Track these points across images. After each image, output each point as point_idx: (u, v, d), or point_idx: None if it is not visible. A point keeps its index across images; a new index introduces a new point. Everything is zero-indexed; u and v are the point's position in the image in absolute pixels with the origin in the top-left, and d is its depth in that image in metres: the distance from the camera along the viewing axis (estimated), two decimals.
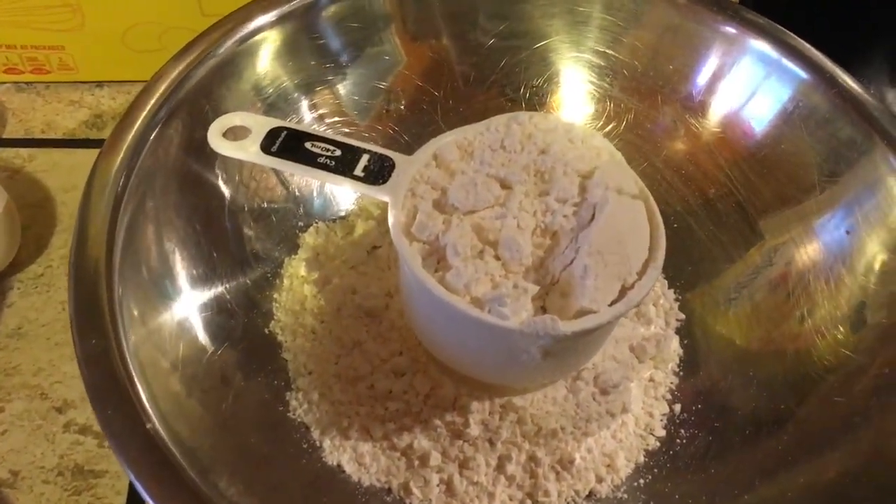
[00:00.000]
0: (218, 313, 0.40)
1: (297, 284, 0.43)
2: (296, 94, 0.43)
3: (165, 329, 0.37)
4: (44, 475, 0.39)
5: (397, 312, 0.41)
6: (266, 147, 0.38)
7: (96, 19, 0.49)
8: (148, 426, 0.32)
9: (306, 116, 0.43)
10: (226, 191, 0.41)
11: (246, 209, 0.42)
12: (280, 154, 0.38)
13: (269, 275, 0.43)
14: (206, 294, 0.40)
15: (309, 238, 0.44)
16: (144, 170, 0.38)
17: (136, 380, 0.33)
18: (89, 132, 0.51)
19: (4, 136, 0.51)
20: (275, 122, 0.39)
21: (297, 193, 0.44)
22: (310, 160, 0.38)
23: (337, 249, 0.44)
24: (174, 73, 0.40)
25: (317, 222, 0.45)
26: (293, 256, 0.44)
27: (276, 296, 0.43)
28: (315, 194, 0.45)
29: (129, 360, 0.33)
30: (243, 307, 0.41)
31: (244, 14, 0.43)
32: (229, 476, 0.34)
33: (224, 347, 0.39)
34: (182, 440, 0.33)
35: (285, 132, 0.39)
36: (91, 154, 0.51)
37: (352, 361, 0.41)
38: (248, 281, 0.42)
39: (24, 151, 0.50)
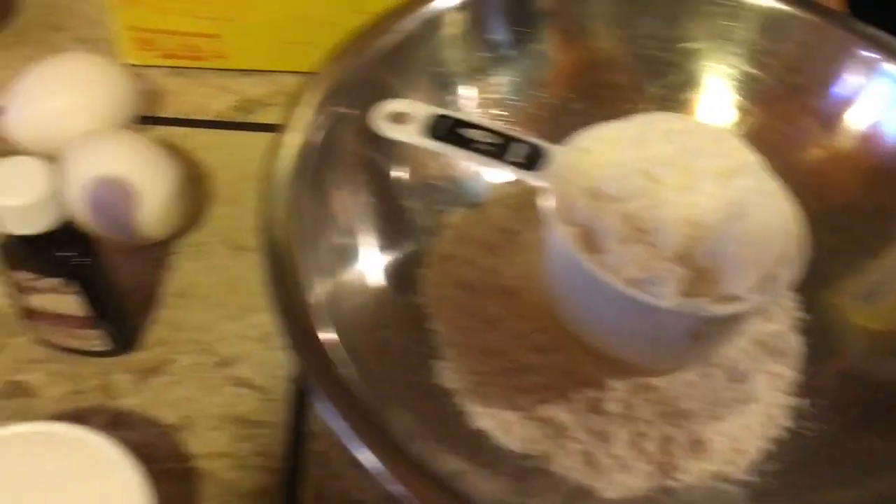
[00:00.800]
0: (377, 284, 0.44)
1: (443, 262, 0.47)
2: (456, 82, 0.47)
3: (338, 296, 0.40)
4: (212, 422, 0.43)
5: (537, 292, 0.45)
6: (427, 131, 0.42)
7: (254, 11, 0.53)
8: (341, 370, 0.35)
9: (464, 104, 0.47)
10: (391, 169, 0.45)
11: (404, 187, 0.46)
12: (440, 138, 0.42)
13: (418, 250, 0.47)
14: (373, 264, 0.44)
15: (452, 219, 0.48)
16: (322, 146, 0.42)
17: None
18: (237, 115, 0.55)
19: (162, 115, 0.55)
20: (435, 109, 0.43)
21: (448, 176, 0.48)
22: (467, 145, 0.42)
23: (477, 232, 0.48)
24: (348, 56, 0.44)
25: (458, 206, 0.49)
26: (439, 235, 0.47)
27: (424, 271, 0.46)
28: (458, 180, 0.49)
29: (319, 314, 0.37)
30: (398, 279, 0.45)
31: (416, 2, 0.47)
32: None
33: (382, 316, 0.43)
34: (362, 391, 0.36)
35: (445, 118, 0.43)
36: (239, 135, 0.55)
37: (493, 336, 0.44)
38: (401, 255, 0.46)
39: (179, 130, 0.54)
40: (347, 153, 0.44)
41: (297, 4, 0.53)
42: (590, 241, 0.39)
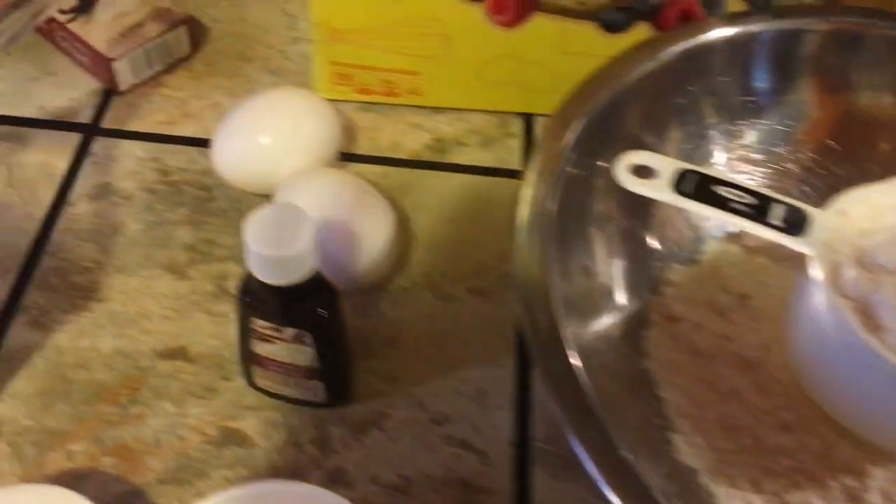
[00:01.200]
0: (604, 342, 0.42)
1: (670, 324, 0.44)
2: (706, 134, 0.45)
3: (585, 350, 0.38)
4: (433, 485, 0.41)
5: (778, 364, 0.42)
6: (677, 187, 0.40)
7: (461, 49, 0.52)
8: (620, 452, 0.33)
9: (713, 158, 0.45)
10: (632, 223, 0.43)
11: (637, 242, 0.44)
12: (692, 196, 0.40)
13: (641, 309, 0.45)
14: (605, 322, 0.42)
15: (673, 276, 0.46)
16: (565, 192, 0.40)
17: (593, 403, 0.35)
18: (432, 155, 0.54)
19: (357, 152, 0.54)
20: (683, 164, 0.41)
21: (668, 233, 0.46)
22: (722, 205, 0.40)
23: (703, 293, 0.45)
24: (587, 97, 0.43)
25: (677, 263, 0.46)
26: (661, 294, 0.45)
27: (650, 333, 0.44)
28: (679, 235, 0.46)
29: (584, 379, 0.35)
30: (625, 339, 0.43)
31: (655, 43, 0.45)
32: None
33: (616, 379, 0.41)
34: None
35: (694, 174, 0.41)
36: (436, 176, 0.53)
37: (732, 410, 0.41)
38: (627, 313, 0.44)
39: (376, 168, 0.53)
40: (584, 205, 0.42)
41: (506, 43, 0.51)
42: (867, 315, 0.37)
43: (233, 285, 0.47)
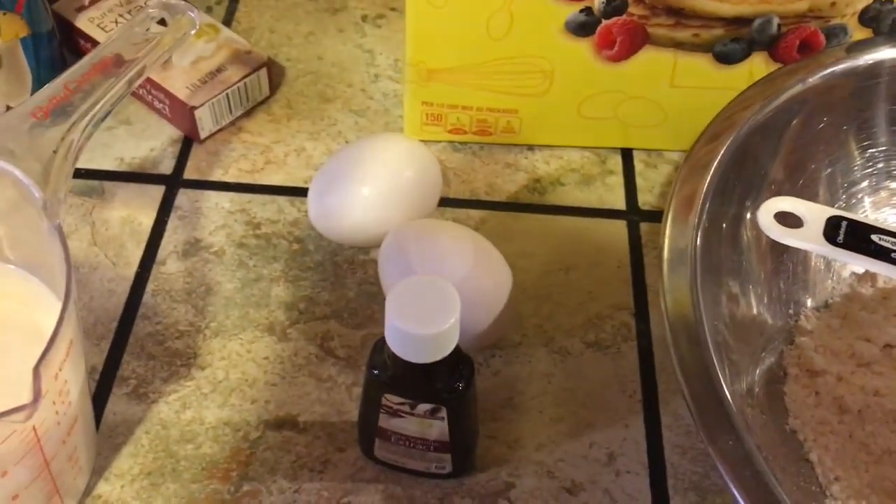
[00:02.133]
0: (749, 403, 0.39)
1: (804, 377, 0.42)
2: (853, 178, 0.42)
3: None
4: None
5: None
6: (829, 236, 0.38)
7: (562, 86, 0.49)
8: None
9: (861, 201, 0.43)
10: (762, 264, 0.41)
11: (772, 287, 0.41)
12: (846, 246, 0.37)
13: (778, 362, 0.42)
14: (744, 382, 0.39)
15: (807, 324, 0.43)
16: (706, 239, 0.38)
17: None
18: (531, 197, 0.52)
19: (451, 196, 0.52)
20: (833, 211, 0.38)
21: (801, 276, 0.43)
22: (882, 254, 0.37)
23: (840, 342, 0.43)
24: (722, 137, 0.40)
25: (810, 309, 0.44)
26: (796, 345, 0.43)
27: (786, 388, 0.42)
28: (812, 278, 0.44)
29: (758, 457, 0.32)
30: (764, 398, 0.40)
31: (781, 81, 0.42)
32: None
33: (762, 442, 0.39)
34: None
35: (846, 222, 0.38)
36: (537, 219, 0.51)
37: (886, 472, 0.39)
38: (763, 367, 0.41)
39: (474, 213, 0.51)
40: (721, 255, 0.40)
41: (610, 78, 0.48)
42: None
43: (337, 346, 0.44)
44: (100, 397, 0.43)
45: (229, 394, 0.43)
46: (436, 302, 0.32)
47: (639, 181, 0.53)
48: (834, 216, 0.38)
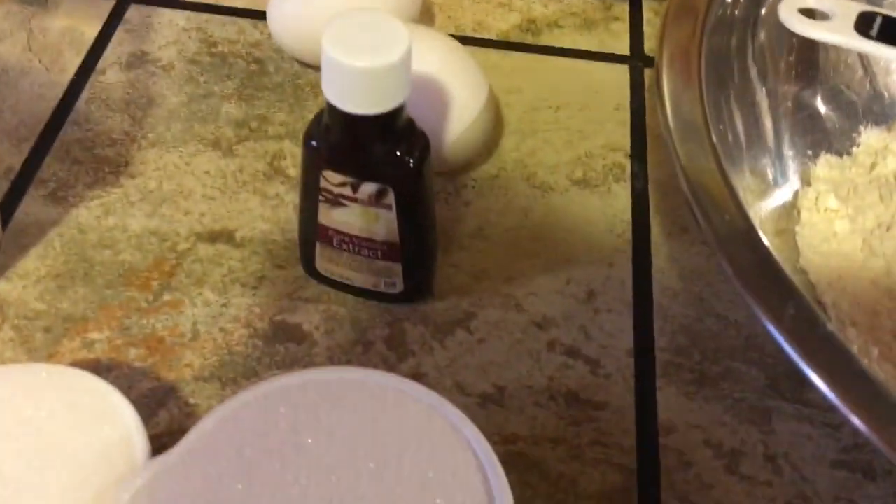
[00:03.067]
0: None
1: (822, 219, 0.36)
2: None
3: None
4: (533, 396, 0.33)
5: None
6: (861, 29, 0.32)
7: None
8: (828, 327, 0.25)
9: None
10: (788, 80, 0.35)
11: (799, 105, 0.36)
12: (882, 39, 0.32)
13: (786, 201, 0.37)
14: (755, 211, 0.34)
15: (821, 171, 0.38)
16: (714, 49, 0.33)
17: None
18: (524, 36, 0.46)
19: (437, 31, 0.47)
20: (864, 7, 0.33)
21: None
22: None
23: (861, 187, 0.37)
24: None
25: (827, 153, 0.39)
26: (807, 187, 0.37)
27: (797, 228, 0.36)
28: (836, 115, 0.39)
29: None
30: (774, 235, 0.35)
31: None
32: None
33: None
34: None
35: (880, 17, 0.33)
36: (529, 58, 0.45)
37: None
38: (771, 203, 0.36)
39: None
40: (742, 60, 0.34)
41: None
42: None
43: (288, 165, 0.39)
44: (12, 198, 0.37)
45: (160, 203, 0.38)
46: (382, 34, 0.27)
47: (646, 29, 0.47)
48: (866, 11, 0.33)
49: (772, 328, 0.26)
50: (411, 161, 0.29)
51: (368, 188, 0.30)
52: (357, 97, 0.27)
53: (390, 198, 0.30)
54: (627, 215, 0.39)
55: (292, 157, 0.40)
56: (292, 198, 0.39)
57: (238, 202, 0.38)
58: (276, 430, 0.27)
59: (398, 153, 0.29)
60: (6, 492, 0.27)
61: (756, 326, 0.35)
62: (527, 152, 0.41)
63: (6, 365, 0.32)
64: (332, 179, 0.30)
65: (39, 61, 0.43)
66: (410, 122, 0.30)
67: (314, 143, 0.30)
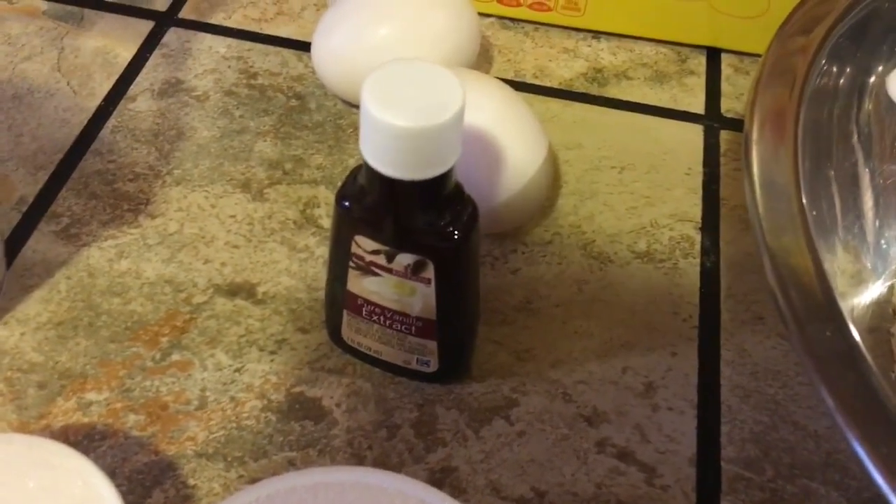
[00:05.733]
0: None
1: None
2: None
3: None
4: None
5: None
6: None
7: None
8: None
9: None
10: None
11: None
12: None
13: (881, 294, 0.32)
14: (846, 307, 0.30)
15: None
16: (812, 118, 0.29)
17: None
18: (589, 86, 0.43)
19: (493, 75, 0.43)
20: None
21: None
22: None
23: None
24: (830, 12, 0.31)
25: None
26: None
27: (893, 329, 0.32)
28: None
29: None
30: (867, 333, 0.31)
31: None
32: None
33: None
34: None
35: None
36: (592, 111, 0.41)
37: None
38: (867, 295, 0.32)
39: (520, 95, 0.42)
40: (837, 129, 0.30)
41: None
42: None
43: (322, 215, 0.36)
44: (21, 231, 0.34)
45: (179, 249, 0.35)
46: (432, 89, 0.23)
47: (724, 87, 0.43)
48: None
49: (871, 468, 0.22)
50: (456, 233, 0.26)
51: (405, 259, 0.26)
52: (399, 160, 0.24)
53: (429, 271, 0.26)
54: (695, 297, 0.35)
55: (327, 206, 0.37)
56: (323, 251, 0.35)
57: (263, 252, 0.35)
58: None
59: (442, 223, 0.26)
60: None
61: (838, 441, 0.31)
62: (585, 216, 0.37)
63: None
64: (364, 245, 0.27)
65: (68, 83, 0.40)
66: (458, 188, 0.26)
67: (347, 203, 0.26)
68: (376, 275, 0.27)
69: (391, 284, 0.27)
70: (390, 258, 0.26)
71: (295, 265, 0.35)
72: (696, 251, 0.36)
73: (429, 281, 0.27)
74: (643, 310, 0.34)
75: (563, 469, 0.30)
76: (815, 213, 0.29)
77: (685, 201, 0.38)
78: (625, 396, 0.32)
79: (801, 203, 0.26)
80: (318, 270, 0.35)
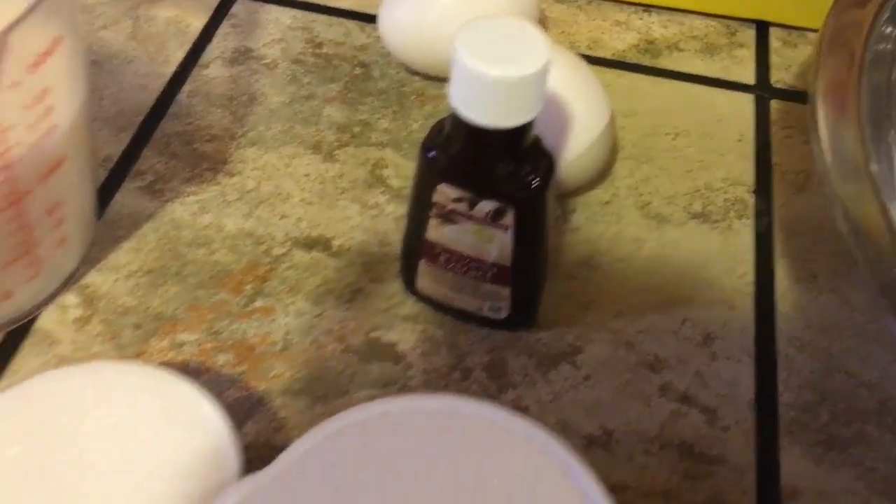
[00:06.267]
0: None
1: None
2: None
3: None
4: (643, 444, 0.31)
5: None
6: None
7: None
8: None
9: None
10: None
11: None
12: None
13: None
14: None
15: None
16: (873, 84, 0.30)
17: None
18: (641, 57, 0.44)
19: None
20: None
21: None
22: None
23: None
24: None
25: None
26: None
27: None
28: None
29: None
30: None
31: None
32: None
33: None
34: None
35: None
36: (645, 80, 0.43)
37: None
38: None
39: None
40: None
41: None
42: None
43: (390, 175, 0.37)
44: (109, 188, 0.37)
45: (257, 205, 0.37)
46: (520, 43, 0.25)
47: (773, 58, 0.44)
48: None
49: None
50: (536, 181, 0.27)
51: (486, 206, 0.28)
52: (488, 108, 0.25)
53: (508, 218, 0.28)
54: (750, 256, 0.36)
55: (394, 167, 0.38)
56: (392, 209, 0.37)
57: (336, 209, 0.37)
58: (374, 459, 0.25)
59: (523, 172, 0.27)
60: (94, 492, 0.25)
61: (892, 389, 0.32)
62: (641, 179, 0.39)
63: (101, 361, 0.31)
64: (447, 194, 0.28)
65: (144, 51, 0.42)
66: (538, 140, 0.28)
67: (433, 153, 0.28)
68: (456, 223, 0.29)
69: (470, 232, 0.29)
70: (472, 205, 0.28)
71: (367, 221, 0.36)
72: (750, 213, 0.38)
73: (507, 228, 0.28)
74: (700, 267, 0.36)
75: (629, 410, 0.31)
76: (882, 173, 0.30)
77: (738, 166, 0.39)
78: (684, 346, 0.33)
79: (867, 159, 0.28)
80: (388, 227, 0.36)
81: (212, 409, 0.27)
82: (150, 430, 0.26)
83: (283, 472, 0.25)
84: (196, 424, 0.26)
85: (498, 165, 0.27)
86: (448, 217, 0.29)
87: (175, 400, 0.26)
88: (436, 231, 0.30)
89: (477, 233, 0.29)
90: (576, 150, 0.35)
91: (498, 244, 0.29)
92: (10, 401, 0.27)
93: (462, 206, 0.28)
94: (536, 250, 0.30)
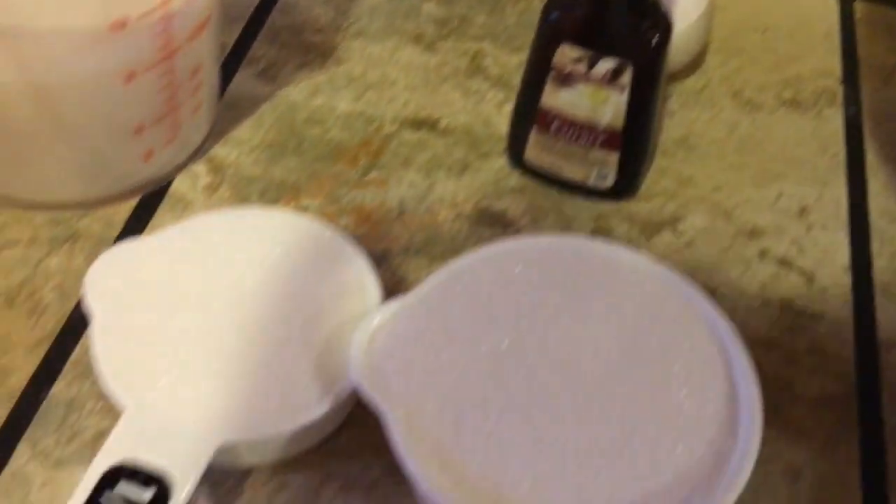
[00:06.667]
0: None
1: None
2: None
3: None
4: (746, 300, 0.32)
5: None
6: None
7: None
8: None
9: None
10: None
11: None
12: None
13: None
14: None
15: None
16: None
17: None
18: None
19: None
20: None
21: None
22: None
23: None
24: None
25: None
26: None
27: None
28: None
29: None
30: None
31: None
32: None
33: None
34: None
35: None
36: None
37: None
38: None
39: None
40: None
41: None
42: None
43: (490, 64, 0.39)
44: (225, 73, 0.38)
45: (365, 89, 0.38)
46: None
47: None
48: None
49: None
50: (656, 37, 0.29)
51: (606, 64, 0.29)
52: None
53: (626, 77, 0.29)
54: (840, 138, 0.37)
55: (493, 57, 0.40)
56: (493, 95, 0.39)
57: (440, 94, 0.38)
58: (514, 284, 0.27)
59: (643, 29, 0.29)
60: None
61: None
62: (733, 69, 0.40)
63: (242, 207, 0.33)
64: (568, 54, 0.30)
65: None
66: (656, 3, 0.29)
67: (555, 14, 0.29)
68: (572, 86, 0.31)
69: (587, 94, 0.30)
70: (591, 64, 0.29)
71: (470, 105, 0.38)
72: (839, 101, 0.39)
73: (623, 88, 0.30)
74: (793, 147, 0.37)
75: (730, 272, 0.33)
76: None
77: (826, 60, 0.40)
78: (781, 217, 0.35)
79: None
80: (490, 111, 0.38)
81: (351, 247, 0.29)
82: (293, 266, 0.28)
83: (426, 294, 0.27)
84: (338, 261, 0.28)
85: (620, 24, 0.29)
86: (565, 80, 0.31)
87: (314, 240, 0.29)
88: (551, 96, 0.31)
89: (593, 95, 0.30)
90: (679, 24, 0.36)
91: (612, 106, 0.31)
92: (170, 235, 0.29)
93: (581, 67, 0.30)
94: (649, 114, 0.31)
